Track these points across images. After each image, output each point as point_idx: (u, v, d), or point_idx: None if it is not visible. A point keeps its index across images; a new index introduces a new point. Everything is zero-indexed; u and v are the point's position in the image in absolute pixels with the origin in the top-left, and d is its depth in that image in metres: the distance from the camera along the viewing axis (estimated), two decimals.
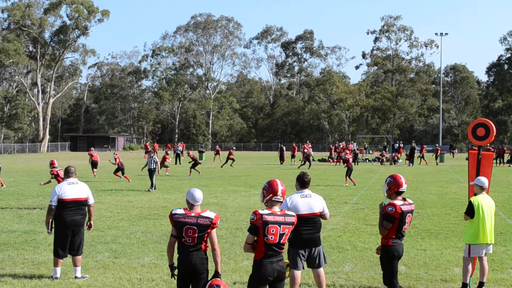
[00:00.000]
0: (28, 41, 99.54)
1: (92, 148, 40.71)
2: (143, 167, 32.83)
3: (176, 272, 7.49)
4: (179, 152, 54.09)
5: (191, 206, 7.45)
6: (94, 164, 36.69)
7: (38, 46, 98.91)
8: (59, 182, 18.74)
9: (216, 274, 7.36)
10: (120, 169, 32.20)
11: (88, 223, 11.03)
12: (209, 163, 53.07)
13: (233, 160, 48.29)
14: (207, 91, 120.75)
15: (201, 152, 62.36)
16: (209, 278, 7.41)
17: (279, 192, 7.29)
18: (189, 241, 7.30)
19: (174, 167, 46.05)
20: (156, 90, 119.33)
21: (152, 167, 27.71)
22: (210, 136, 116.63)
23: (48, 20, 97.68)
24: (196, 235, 7.28)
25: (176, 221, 7.32)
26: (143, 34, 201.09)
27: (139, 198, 23.78)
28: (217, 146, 60.61)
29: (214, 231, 7.44)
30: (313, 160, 52.37)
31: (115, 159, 32.56)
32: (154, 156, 28.16)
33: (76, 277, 10.61)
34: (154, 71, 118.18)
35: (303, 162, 46.81)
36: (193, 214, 7.36)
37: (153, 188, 27.09)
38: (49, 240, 11.46)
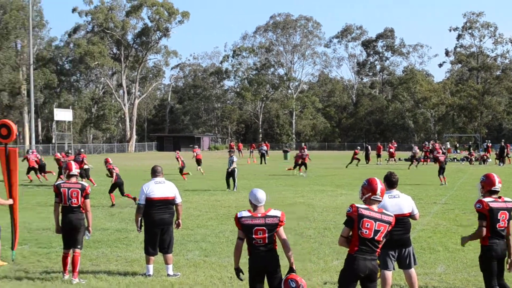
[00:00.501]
0: (111, 43, 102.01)
1: (196, 146, 42.92)
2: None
3: (242, 275, 7.57)
4: (263, 152, 54.39)
5: (254, 207, 7.52)
6: (198, 162, 37.98)
7: (121, 48, 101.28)
8: (114, 179, 21.73)
9: (291, 270, 7.41)
10: (182, 168, 33.20)
11: (177, 222, 11.15)
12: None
13: (358, 160, 47.24)
14: (289, 91, 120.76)
15: (285, 152, 62.34)
16: (283, 276, 7.42)
17: (378, 191, 7.19)
18: (260, 241, 7.36)
19: (259, 167, 46.26)
20: (238, 90, 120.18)
21: (232, 167, 27.13)
22: (294, 135, 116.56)
23: (130, 22, 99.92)
24: (266, 235, 7.34)
25: (244, 224, 7.37)
26: (223, 35, 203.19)
27: (226, 197, 23.96)
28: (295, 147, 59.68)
29: (281, 229, 7.48)
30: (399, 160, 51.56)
31: (177, 158, 33.83)
32: (233, 156, 27.67)
33: (168, 275, 10.75)
34: (235, 71, 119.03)
35: (413, 162, 46.03)
36: (259, 215, 7.42)
37: (234, 189, 26.81)
38: (140, 238, 11.67)
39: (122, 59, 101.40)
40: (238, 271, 7.55)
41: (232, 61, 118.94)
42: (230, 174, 27.16)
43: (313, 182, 31.80)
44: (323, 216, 18.23)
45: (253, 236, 7.32)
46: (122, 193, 21.86)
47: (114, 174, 22.09)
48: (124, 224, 16.74)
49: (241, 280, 7.57)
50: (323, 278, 10.59)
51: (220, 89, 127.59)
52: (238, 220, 7.39)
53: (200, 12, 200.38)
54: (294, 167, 37.98)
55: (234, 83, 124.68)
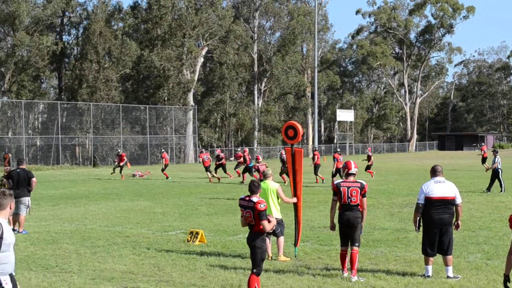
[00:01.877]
0: (394, 43, 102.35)
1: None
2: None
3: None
4: None
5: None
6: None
7: (403, 47, 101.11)
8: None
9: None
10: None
11: (456, 223, 10.84)
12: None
13: None
14: None
15: None
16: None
17: None
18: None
19: None
20: None
21: (493, 167, 25.79)
22: None
23: (413, 21, 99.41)
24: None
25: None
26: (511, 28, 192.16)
27: (510, 198, 22.81)
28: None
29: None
30: None
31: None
32: (497, 156, 25.99)
33: (448, 277, 10.53)
34: None
35: None
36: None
37: (502, 190, 25.31)
38: (420, 239, 11.55)
39: (404, 58, 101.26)
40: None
41: None
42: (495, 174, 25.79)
43: None
44: None
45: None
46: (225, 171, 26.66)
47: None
48: (404, 224, 16.70)
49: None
50: None
51: (507, 85, 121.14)
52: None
53: (486, 6, 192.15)
54: None
55: None
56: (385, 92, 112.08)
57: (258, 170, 26.44)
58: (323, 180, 31.63)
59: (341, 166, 30.21)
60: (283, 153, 30.68)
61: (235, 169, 36.13)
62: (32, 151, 61.84)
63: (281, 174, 30.14)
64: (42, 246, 13.90)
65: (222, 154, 36.58)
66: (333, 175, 29.73)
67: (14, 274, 6.35)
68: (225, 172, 35.22)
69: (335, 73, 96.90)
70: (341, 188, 10.70)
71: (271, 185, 12.14)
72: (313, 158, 32.77)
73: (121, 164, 37.42)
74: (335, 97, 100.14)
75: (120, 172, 37.57)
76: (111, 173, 38.33)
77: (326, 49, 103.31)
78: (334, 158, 30.77)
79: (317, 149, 32.59)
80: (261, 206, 9.00)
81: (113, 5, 74.61)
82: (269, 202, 11.71)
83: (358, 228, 10.64)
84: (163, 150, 41.24)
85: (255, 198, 9.15)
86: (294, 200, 12.41)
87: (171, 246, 13.72)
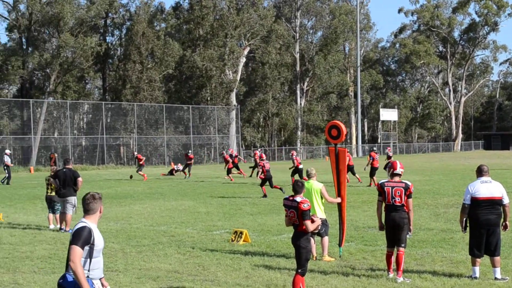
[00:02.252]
0: (437, 41, 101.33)
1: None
2: None
3: None
4: None
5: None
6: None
7: (447, 46, 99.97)
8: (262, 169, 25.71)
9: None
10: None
11: (504, 224, 10.66)
12: None
13: None
14: None
15: None
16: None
17: None
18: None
19: None
20: None
21: None
22: None
23: (456, 19, 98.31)
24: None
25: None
26: None
27: None
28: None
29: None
30: None
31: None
32: None
33: (495, 278, 10.36)
34: None
35: None
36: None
37: None
38: (466, 239, 11.42)
39: (448, 57, 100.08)
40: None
41: None
42: None
43: None
44: None
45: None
46: (271, 186, 25.20)
47: (264, 169, 25.51)
48: (450, 224, 16.50)
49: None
50: None
51: None
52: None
53: None
54: None
55: None
56: (429, 91, 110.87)
57: (263, 167, 26.11)
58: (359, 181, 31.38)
59: (377, 165, 30.09)
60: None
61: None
62: (78, 151, 62.83)
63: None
64: None
65: (235, 153, 37.45)
66: (372, 174, 29.50)
67: (103, 276, 6.49)
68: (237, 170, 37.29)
69: (378, 72, 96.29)
70: (385, 188, 10.61)
71: (315, 185, 12.12)
72: (370, 160, 30.78)
73: (141, 163, 37.81)
74: (378, 96, 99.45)
75: (138, 172, 37.79)
76: (130, 177, 38.46)
77: (369, 48, 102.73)
78: (370, 156, 30.46)
79: (375, 150, 31.77)
80: (305, 206, 8.99)
81: (155, 6, 75.39)
82: (313, 202, 11.69)
83: (404, 229, 10.52)
84: (189, 152, 41.95)
85: (298, 198, 9.15)
86: (338, 200, 12.36)
87: (216, 246, 13.79)
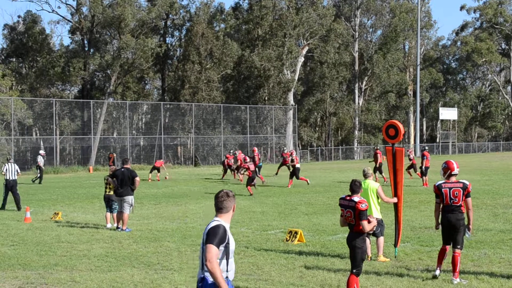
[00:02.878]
0: (500, 38, 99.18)
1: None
2: None
3: None
4: None
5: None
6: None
7: (510, 43, 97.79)
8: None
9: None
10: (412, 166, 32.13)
11: None
12: None
13: None
14: None
15: None
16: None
17: None
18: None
19: None
20: None
21: None
22: None
23: None
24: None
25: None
26: None
27: None
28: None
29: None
30: None
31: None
32: None
33: None
34: None
35: None
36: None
37: None
38: None
39: (511, 55, 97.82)
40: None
41: None
42: None
43: None
44: None
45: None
46: (247, 184, 26.39)
47: (249, 170, 26.42)
48: (509, 225, 16.17)
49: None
50: None
51: None
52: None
53: None
54: None
55: None
56: (490, 90, 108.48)
57: (248, 169, 26.91)
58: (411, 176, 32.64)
59: (428, 164, 29.76)
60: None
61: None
62: (136, 150, 63.78)
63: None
64: (145, 244, 14.32)
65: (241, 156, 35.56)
66: (424, 174, 29.22)
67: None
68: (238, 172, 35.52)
69: (438, 70, 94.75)
70: (443, 189, 10.48)
71: (372, 184, 12.06)
72: (422, 159, 30.37)
73: (157, 166, 37.38)
74: (437, 95, 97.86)
75: (151, 172, 37.80)
76: (157, 179, 36.95)
77: (429, 46, 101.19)
78: (423, 155, 30.05)
79: (427, 149, 31.23)
80: (362, 206, 8.98)
81: (215, 7, 75.86)
82: (369, 202, 11.63)
83: (460, 230, 10.37)
84: (230, 152, 41.71)
85: (356, 198, 9.13)
86: (395, 200, 12.26)
87: (270, 245, 13.83)
